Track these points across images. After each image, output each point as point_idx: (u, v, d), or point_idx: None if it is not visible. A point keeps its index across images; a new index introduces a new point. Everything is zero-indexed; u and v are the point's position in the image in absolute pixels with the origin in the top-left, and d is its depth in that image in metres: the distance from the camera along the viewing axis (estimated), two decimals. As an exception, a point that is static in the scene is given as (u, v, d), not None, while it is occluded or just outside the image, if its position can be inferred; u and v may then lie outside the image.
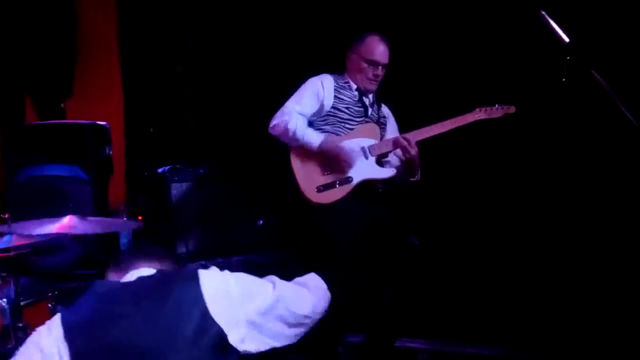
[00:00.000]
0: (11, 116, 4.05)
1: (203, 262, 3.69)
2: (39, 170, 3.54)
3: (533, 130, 3.38)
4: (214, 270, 1.73)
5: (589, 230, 3.32)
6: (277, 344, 1.75)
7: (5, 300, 2.22)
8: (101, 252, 3.40)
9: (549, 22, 2.46)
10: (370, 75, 3.17)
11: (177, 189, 3.89)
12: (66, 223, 2.36)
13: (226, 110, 4.55)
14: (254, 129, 3.53)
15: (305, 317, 1.82)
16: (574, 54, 2.40)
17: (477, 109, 3.08)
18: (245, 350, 1.66)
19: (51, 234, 2.29)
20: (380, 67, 3.17)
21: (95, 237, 3.34)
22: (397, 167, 3.18)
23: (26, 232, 2.29)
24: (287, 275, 1.96)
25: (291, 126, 3.04)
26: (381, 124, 3.27)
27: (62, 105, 4.34)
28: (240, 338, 1.65)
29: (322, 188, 3.04)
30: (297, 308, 1.80)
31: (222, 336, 1.61)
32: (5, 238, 2.27)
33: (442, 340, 3.50)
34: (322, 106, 3.15)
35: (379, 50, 3.16)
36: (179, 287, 1.64)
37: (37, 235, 2.36)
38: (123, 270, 1.78)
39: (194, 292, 1.63)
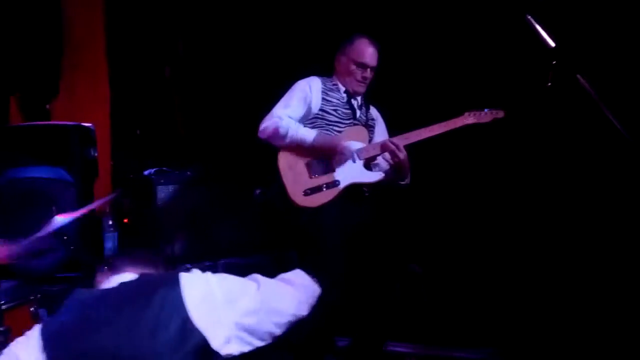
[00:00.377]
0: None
1: (188, 265, 3.67)
2: (21, 172, 3.49)
3: (519, 134, 3.39)
4: (196, 273, 1.70)
5: (575, 233, 3.33)
6: (262, 344, 1.73)
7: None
8: (85, 255, 3.36)
9: (535, 27, 2.47)
10: (358, 77, 3.17)
11: (163, 191, 3.86)
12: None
13: (214, 113, 4.53)
14: (242, 132, 3.53)
15: (291, 315, 1.80)
16: (559, 58, 2.41)
17: (467, 113, 3.08)
18: (228, 354, 1.63)
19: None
20: (368, 70, 3.17)
21: (80, 240, 3.31)
22: (385, 171, 3.18)
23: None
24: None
25: (283, 124, 3.04)
26: (369, 126, 3.27)
27: (48, 106, 4.30)
28: (223, 342, 1.62)
29: (309, 191, 3.03)
30: (282, 307, 1.78)
31: (204, 342, 1.58)
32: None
33: (430, 345, 3.50)
34: (309, 109, 3.15)
35: (368, 52, 3.16)
36: (160, 293, 1.61)
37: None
38: (114, 274, 1.76)
39: (175, 298, 1.60)
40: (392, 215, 3.45)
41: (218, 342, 1.60)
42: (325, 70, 3.28)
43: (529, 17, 2.48)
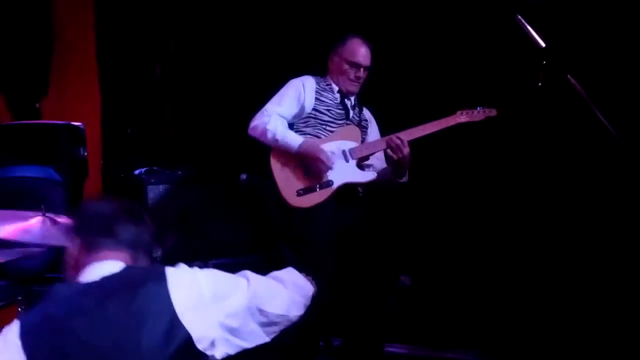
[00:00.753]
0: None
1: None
2: (9, 172, 3.48)
3: (510, 134, 3.39)
4: (182, 268, 1.63)
5: (566, 233, 3.33)
6: (249, 345, 1.66)
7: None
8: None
9: (525, 27, 2.47)
10: (351, 77, 3.15)
11: (153, 191, 3.84)
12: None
13: (205, 112, 4.51)
14: (233, 131, 3.51)
15: (281, 316, 1.74)
16: (549, 58, 2.41)
17: (459, 112, 3.07)
18: (213, 355, 1.57)
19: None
20: (362, 69, 3.15)
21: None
22: (379, 171, 3.17)
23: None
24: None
25: (271, 127, 3.02)
26: (362, 127, 3.25)
27: (37, 105, 4.27)
28: (210, 342, 1.56)
29: (301, 192, 3.01)
30: (272, 307, 1.71)
31: (190, 341, 1.52)
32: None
33: (422, 346, 3.50)
34: (302, 108, 3.13)
35: (361, 52, 3.15)
36: (145, 288, 1.53)
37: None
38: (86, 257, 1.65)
39: (161, 294, 1.53)
40: (385, 216, 3.45)
41: (204, 343, 1.55)
42: (318, 70, 3.27)
43: (520, 17, 2.48)
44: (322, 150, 3.02)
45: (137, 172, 4.02)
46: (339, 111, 3.18)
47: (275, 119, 3.05)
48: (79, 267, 1.64)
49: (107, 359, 1.47)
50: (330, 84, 3.22)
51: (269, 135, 3.02)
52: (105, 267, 1.61)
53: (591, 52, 3.15)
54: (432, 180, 3.65)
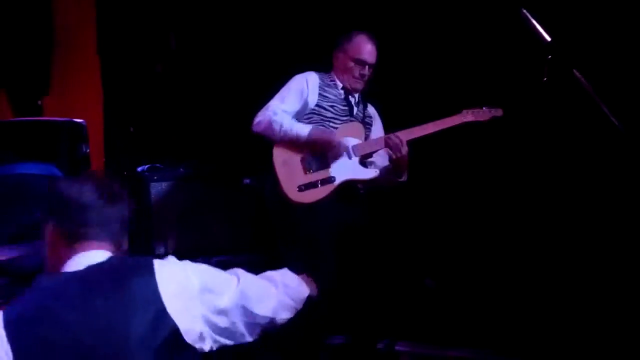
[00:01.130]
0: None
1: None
2: (11, 169, 3.47)
3: (515, 129, 3.36)
4: (171, 260, 1.61)
5: (572, 230, 3.30)
6: (231, 343, 1.64)
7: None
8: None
9: (530, 21, 2.45)
10: (356, 74, 3.13)
11: (156, 188, 3.83)
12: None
13: (207, 110, 4.50)
14: (235, 129, 3.49)
15: (266, 317, 1.70)
16: (555, 53, 2.39)
17: (465, 111, 3.05)
18: (202, 348, 1.56)
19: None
20: (367, 67, 3.12)
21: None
22: (380, 168, 3.15)
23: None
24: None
25: (277, 119, 3.00)
26: (366, 124, 3.23)
27: (39, 102, 4.27)
28: (197, 335, 1.54)
29: (303, 187, 2.99)
30: (258, 308, 1.68)
31: (177, 333, 1.49)
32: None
33: (424, 343, 3.48)
34: (306, 104, 3.11)
35: (367, 49, 3.12)
36: (132, 280, 1.50)
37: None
38: (69, 248, 1.59)
39: (149, 286, 1.50)
40: (387, 214, 3.43)
41: (191, 336, 1.53)
42: (322, 66, 3.25)
43: (524, 11, 2.46)
44: (333, 134, 3.02)
45: (139, 169, 4.02)
46: (342, 107, 3.16)
47: (281, 113, 3.04)
48: (60, 257, 1.59)
49: (94, 348, 1.44)
50: (334, 80, 3.19)
51: (276, 127, 2.99)
52: (89, 256, 1.57)
53: (597, 47, 3.12)
54: (436, 178, 3.63)
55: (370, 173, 3.11)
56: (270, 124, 3.01)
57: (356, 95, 3.22)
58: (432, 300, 3.55)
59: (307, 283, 1.90)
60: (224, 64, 4.33)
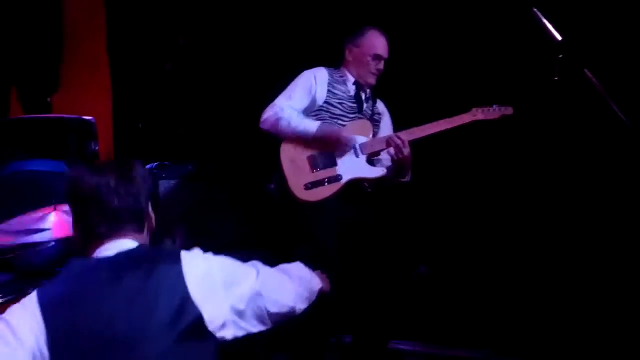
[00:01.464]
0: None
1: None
2: (21, 166, 3.47)
3: (525, 129, 3.34)
4: (196, 252, 1.68)
5: (581, 232, 3.29)
6: (255, 330, 1.71)
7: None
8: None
9: (541, 20, 2.43)
10: (373, 69, 3.14)
11: (164, 185, 3.83)
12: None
13: (216, 108, 4.50)
14: (244, 127, 3.49)
15: (286, 306, 1.79)
16: (566, 52, 2.38)
17: (474, 109, 3.04)
18: (223, 337, 1.61)
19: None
20: (382, 62, 3.15)
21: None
22: (388, 167, 3.14)
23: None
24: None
25: (285, 115, 3.00)
26: (375, 121, 3.22)
27: (49, 99, 4.28)
28: (220, 324, 1.60)
29: (310, 186, 2.99)
30: (279, 297, 1.77)
31: (200, 321, 1.56)
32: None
33: (431, 343, 3.47)
34: (314, 100, 3.11)
35: (383, 44, 3.15)
36: (160, 267, 1.58)
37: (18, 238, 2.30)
38: (98, 237, 1.66)
39: (176, 275, 1.57)
40: (393, 213, 3.41)
41: (214, 324, 1.59)
42: (331, 62, 3.23)
43: (535, 10, 2.45)
44: (341, 130, 3.01)
45: (148, 166, 4.02)
46: (351, 105, 3.15)
47: (288, 109, 3.03)
48: (90, 245, 1.67)
49: (120, 330, 1.51)
50: (344, 76, 3.19)
51: (284, 124, 2.99)
52: (119, 244, 1.65)
53: (609, 46, 3.10)
54: (443, 176, 3.62)
55: (377, 172, 3.10)
56: (277, 120, 3.00)
57: (368, 91, 3.22)
58: (436, 300, 3.55)
59: (320, 279, 1.99)
60: (233, 62, 4.33)
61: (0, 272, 2.24)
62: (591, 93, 2.35)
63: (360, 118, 3.15)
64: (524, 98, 3.12)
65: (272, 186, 3.27)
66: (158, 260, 1.61)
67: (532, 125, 3.30)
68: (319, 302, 1.95)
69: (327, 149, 3.03)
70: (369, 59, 3.13)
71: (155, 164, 4.03)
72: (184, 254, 1.63)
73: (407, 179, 3.10)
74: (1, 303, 2.26)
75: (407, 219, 3.59)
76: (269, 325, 1.74)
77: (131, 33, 4.53)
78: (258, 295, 1.70)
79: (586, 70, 2.34)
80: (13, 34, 4.07)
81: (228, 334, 1.63)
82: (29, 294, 2.44)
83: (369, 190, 3.16)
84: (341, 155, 3.04)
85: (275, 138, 3.06)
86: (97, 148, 3.79)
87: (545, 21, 2.43)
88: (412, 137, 3.01)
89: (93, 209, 1.65)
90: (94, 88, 4.44)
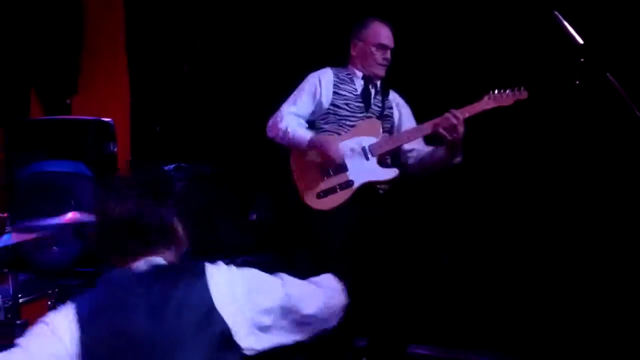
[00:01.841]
0: (16, 111, 4.02)
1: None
2: (41, 166, 3.51)
3: (545, 134, 3.31)
4: (220, 265, 1.70)
5: (599, 235, 3.25)
6: (283, 342, 1.73)
7: (0, 296, 2.18)
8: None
9: (562, 23, 2.41)
10: (379, 60, 3.07)
11: (181, 187, 3.85)
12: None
13: (233, 110, 4.51)
14: (260, 129, 3.48)
15: (311, 316, 1.77)
16: (588, 55, 2.35)
17: (486, 96, 2.91)
18: (250, 347, 1.64)
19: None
20: (388, 51, 3.08)
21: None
22: (422, 155, 3.06)
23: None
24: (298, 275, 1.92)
25: (282, 125, 2.98)
26: (386, 116, 3.13)
27: (68, 101, 4.31)
28: (244, 335, 1.62)
29: (322, 194, 2.95)
30: (305, 307, 1.75)
31: (226, 332, 1.59)
32: (5, 236, 2.22)
33: (448, 348, 3.45)
34: (320, 104, 3.06)
35: (385, 33, 3.08)
36: (186, 281, 1.62)
37: (38, 233, 2.32)
38: (131, 254, 1.69)
39: (201, 287, 1.62)
40: (407, 215, 3.38)
41: (239, 335, 1.61)
42: (339, 61, 3.19)
43: (557, 13, 2.42)
44: (330, 143, 2.92)
45: (165, 168, 4.04)
46: (357, 104, 3.08)
47: (287, 117, 3.00)
48: (119, 262, 1.71)
49: (152, 341, 1.56)
50: (351, 74, 3.13)
51: (281, 133, 2.98)
52: (150, 260, 1.69)
53: (631, 49, 3.06)
54: (456, 179, 3.57)
55: (390, 174, 3.03)
56: (277, 130, 2.99)
57: (377, 84, 3.15)
58: (455, 303, 3.52)
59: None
60: (250, 64, 4.33)
61: (20, 272, 2.25)
62: (613, 97, 2.32)
63: (368, 117, 3.07)
64: (545, 102, 3.08)
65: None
66: (183, 272, 1.66)
67: (553, 130, 3.26)
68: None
69: (320, 160, 2.96)
70: (374, 49, 3.06)
71: (172, 165, 4.05)
72: (208, 266, 1.67)
73: (458, 160, 2.96)
74: (23, 302, 2.27)
75: (421, 220, 3.56)
76: (298, 336, 1.75)
77: (149, 35, 4.55)
78: (284, 306, 1.71)
79: (608, 74, 2.32)
80: (33, 36, 4.11)
81: (256, 344, 1.65)
82: (49, 293, 2.49)
83: (382, 192, 3.09)
84: (351, 159, 2.98)
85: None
86: (116, 149, 3.82)
87: (566, 24, 2.41)
88: (467, 115, 2.87)
89: (123, 234, 1.69)
90: (113, 90, 4.47)
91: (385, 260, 2.95)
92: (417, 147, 3.11)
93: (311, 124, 3.09)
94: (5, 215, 2.24)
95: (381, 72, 3.10)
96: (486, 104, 2.91)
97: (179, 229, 1.77)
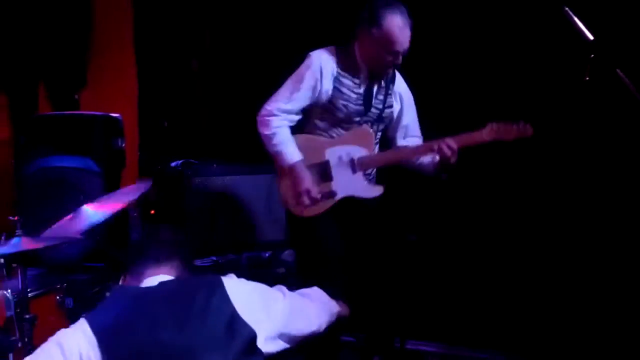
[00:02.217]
0: (24, 106, 4.04)
1: (214, 258, 3.66)
2: (49, 162, 3.52)
3: (554, 130, 3.29)
4: (233, 277, 1.82)
5: (608, 233, 3.23)
6: (288, 346, 1.85)
7: (9, 291, 2.19)
8: (111, 245, 3.38)
9: (572, 19, 2.40)
10: (389, 64, 2.79)
11: (189, 183, 3.85)
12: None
13: (241, 106, 4.50)
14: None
15: (309, 328, 1.93)
16: (598, 51, 2.34)
17: (489, 126, 2.75)
18: (268, 352, 1.74)
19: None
20: (400, 55, 2.75)
21: (106, 230, 3.32)
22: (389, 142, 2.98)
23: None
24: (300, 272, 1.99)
25: (271, 129, 2.82)
26: (384, 118, 2.93)
27: (76, 96, 4.32)
28: (264, 341, 1.73)
29: None
30: (304, 319, 1.91)
31: (253, 337, 1.68)
32: (15, 240, 2.23)
33: (453, 345, 3.45)
34: (318, 100, 2.83)
35: (403, 38, 2.69)
36: (204, 292, 1.70)
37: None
38: (136, 275, 1.82)
39: (222, 297, 1.70)
40: (395, 215, 3.35)
41: (260, 341, 1.71)
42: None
43: (567, 9, 2.41)
44: (306, 181, 2.79)
45: (173, 164, 4.05)
46: (357, 107, 2.85)
47: (279, 119, 2.83)
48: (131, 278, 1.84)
49: (183, 354, 1.62)
50: (355, 65, 2.83)
51: (266, 137, 2.84)
52: (158, 277, 1.79)
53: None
54: (456, 179, 3.56)
55: (373, 191, 2.91)
56: (264, 129, 2.84)
57: (382, 80, 2.90)
58: (458, 301, 3.52)
59: (339, 304, 2.14)
60: (258, 60, 4.33)
61: (30, 267, 2.26)
62: (623, 93, 2.31)
63: (364, 122, 2.88)
64: (554, 98, 3.06)
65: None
66: (201, 285, 1.74)
67: (563, 126, 3.24)
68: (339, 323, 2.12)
69: (319, 164, 2.86)
70: (383, 52, 2.73)
71: (180, 161, 4.05)
72: (224, 279, 1.76)
73: (444, 177, 2.90)
74: (32, 297, 2.28)
75: (410, 222, 3.53)
76: (293, 345, 1.87)
77: (157, 31, 4.55)
78: (289, 317, 1.84)
79: (618, 70, 2.30)
80: (42, 32, 4.12)
81: (271, 349, 1.77)
82: (57, 288, 2.50)
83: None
84: (337, 168, 2.86)
85: None
86: (124, 145, 3.82)
87: (577, 20, 2.39)
88: (462, 144, 2.76)
89: (134, 256, 1.84)
90: (121, 85, 4.48)
91: (372, 253, 2.89)
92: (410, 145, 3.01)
93: (306, 113, 2.89)
94: (16, 218, 2.24)
95: (387, 72, 2.88)
96: (487, 135, 2.76)
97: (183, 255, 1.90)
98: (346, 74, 2.83)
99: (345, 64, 2.83)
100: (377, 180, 3.02)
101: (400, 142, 3.04)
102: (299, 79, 2.84)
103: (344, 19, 2.99)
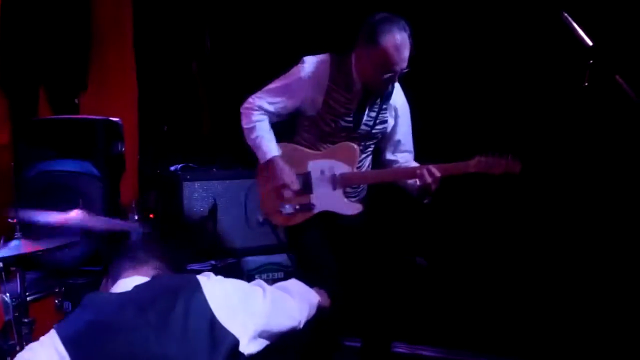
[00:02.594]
0: (25, 110, 4.04)
1: (213, 262, 3.66)
2: (49, 165, 3.52)
3: (552, 135, 3.30)
4: (211, 276, 1.73)
5: (609, 237, 3.23)
6: (263, 346, 1.78)
7: (8, 295, 2.19)
8: (109, 249, 3.37)
9: (571, 25, 2.41)
10: (384, 82, 2.68)
11: (188, 187, 3.85)
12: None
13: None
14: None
15: (290, 322, 1.87)
16: (597, 57, 2.35)
17: (477, 158, 2.66)
18: (250, 353, 1.67)
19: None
20: (397, 75, 2.66)
21: (104, 233, 3.32)
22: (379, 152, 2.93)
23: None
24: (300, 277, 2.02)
25: (251, 122, 2.79)
26: (373, 135, 2.86)
27: (76, 100, 4.32)
28: (246, 342, 1.66)
29: (282, 210, 2.84)
30: (285, 313, 1.85)
31: (235, 344, 1.61)
32: (14, 243, 2.23)
33: (452, 349, 3.45)
34: (304, 111, 2.80)
35: (399, 57, 2.59)
36: (183, 297, 1.62)
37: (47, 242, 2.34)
38: (113, 278, 1.76)
39: (200, 301, 1.62)
40: (389, 215, 3.34)
41: (243, 343, 1.64)
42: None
43: (566, 15, 2.42)
44: (287, 174, 2.77)
45: (172, 168, 4.05)
46: (346, 124, 2.78)
47: (260, 113, 2.80)
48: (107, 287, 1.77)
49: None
50: (349, 77, 2.73)
51: (246, 132, 2.82)
52: (133, 280, 1.71)
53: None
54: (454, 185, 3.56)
55: (352, 209, 2.84)
56: (245, 121, 2.81)
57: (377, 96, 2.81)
58: (458, 305, 3.52)
59: (318, 294, 2.06)
60: (258, 64, 4.33)
61: (29, 270, 2.26)
62: (622, 99, 2.32)
63: (351, 137, 2.81)
64: (553, 104, 3.07)
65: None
66: (178, 288, 1.64)
67: (561, 131, 3.24)
68: (322, 311, 2.04)
69: (300, 175, 2.82)
70: (379, 70, 2.63)
71: (180, 165, 4.06)
72: (201, 279, 1.67)
73: (427, 201, 2.82)
74: (31, 300, 2.28)
75: (401, 218, 3.52)
76: (273, 340, 1.80)
77: (158, 35, 4.56)
78: (269, 312, 1.76)
79: (617, 76, 2.31)
80: (42, 36, 4.12)
81: (252, 349, 1.69)
82: (56, 292, 2.50)
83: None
84: (318, 182, 2.82)
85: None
86: (123, 149, 3.82)
87: (576, 26, 2.40)
88: (445, 174, 2.69)
89: (113, 258, 1.79)
90: (121, 89, 4.48)
91: (360, 261, 2.87)
92: (400, 160, 2.96)
93: (293, 123, 2.88)
94: (15, 221, 2.24)
95: (383, 89, 2.76)
96: (473, 167, 2.67)
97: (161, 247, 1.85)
98: (338, 89, 2.75)
99: (339, 76, 2.74)
100: (375, 198, 3.03)
101: (389, 156, 2.97)
102: (288, 85, 2.79)
103: (346, 25, 2.97)
